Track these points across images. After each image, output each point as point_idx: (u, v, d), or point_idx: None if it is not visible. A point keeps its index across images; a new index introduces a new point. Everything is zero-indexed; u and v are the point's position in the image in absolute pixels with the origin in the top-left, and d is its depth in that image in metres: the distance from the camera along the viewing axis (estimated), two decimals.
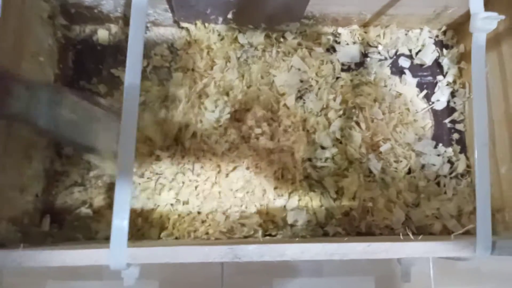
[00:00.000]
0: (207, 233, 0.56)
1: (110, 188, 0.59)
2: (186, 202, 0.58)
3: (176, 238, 0.57)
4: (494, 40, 0.60)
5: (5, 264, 0.39)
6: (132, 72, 0.42)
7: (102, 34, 0.65)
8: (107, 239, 0.39)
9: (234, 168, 0.59)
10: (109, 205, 0.58)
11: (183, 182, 0.58)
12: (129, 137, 0.40)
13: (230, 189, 0.59)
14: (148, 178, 0.59)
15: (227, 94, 0.62)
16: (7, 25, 0.47)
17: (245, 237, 0.57)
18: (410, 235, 0.45)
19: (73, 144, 0.56)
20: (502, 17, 0.42)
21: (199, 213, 0.58)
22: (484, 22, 0.43)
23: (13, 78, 0.43)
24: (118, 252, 0.38)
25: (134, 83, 0.41)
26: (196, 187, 0.58)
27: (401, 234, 0.46)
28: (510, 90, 0.57)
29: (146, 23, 0.64)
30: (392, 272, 0.91)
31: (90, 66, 0.65)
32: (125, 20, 0.64)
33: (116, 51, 0.65)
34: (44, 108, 0.44)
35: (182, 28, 0.65)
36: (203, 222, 0.57)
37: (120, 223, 0.39)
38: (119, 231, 0.38)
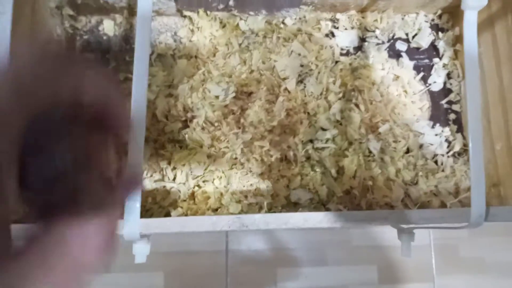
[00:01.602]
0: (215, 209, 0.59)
1: None
2: (195, 184, 0.60)
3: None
4: (488, 21, 0.62)
5: None
6: (140, 65, 0.44)
7: (108, 24, 0.67)
8: None
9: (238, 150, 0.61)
10: None
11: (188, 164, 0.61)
12: (138, 121, 0.42)
13: (235, 169, 0.61)
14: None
15: (230, 77, 0.64)
16: (23, 16, 0.49)
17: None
18: (409, 205, 0.47)
19: None
20: None
21: (204, 192, 0.61)
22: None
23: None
24: (131, 222, 0.40)
25: (142, 76, 0.43)
26: (205, 168, 0.61)
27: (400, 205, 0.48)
28: (504, 70, 0.59)
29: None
30: (395, 261, 0.93)
31: (96, 55, 0.67)
32: (130, 10, 0.66)
33: (122, 41, 0.67)
34: None
35: (185, 16, 0.67)
36: (209, 198, 0.59)
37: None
38: (132, 202, 0.40)
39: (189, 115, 0.62)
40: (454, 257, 0.95)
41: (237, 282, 0.86)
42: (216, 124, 0.62)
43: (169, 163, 0.61)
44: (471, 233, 0.95)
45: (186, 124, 0.63)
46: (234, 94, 0.63)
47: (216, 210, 0.58)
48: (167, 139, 0.62)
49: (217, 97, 0.63)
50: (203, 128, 0.61)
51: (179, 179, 0.60)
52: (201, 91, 0.63)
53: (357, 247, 0.94)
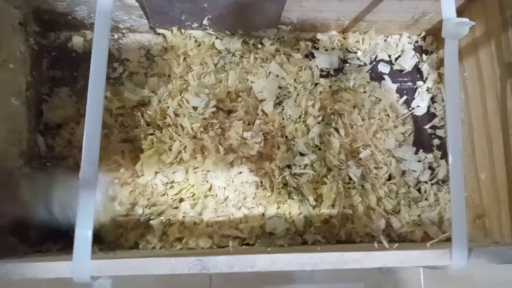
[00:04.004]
0: (183, 241, 0.55)
1: None
2: (162, 210, 0.57)
3: (153, 247, 0.56)
4: (472, 46, 0.60)
5: None
6: (96, 82, 0.40)
7: (77, 41, 0.64)
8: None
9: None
10: None
11: (153, 186, 0.57)
12: (92, 145, 0.39)
13: (208, 195, 0.57)
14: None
15: (208, 95, 0.61)
16: None
17: (221, 247, 0.56)
18: (385, 243, 0.44)
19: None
20: (473, 23, 0.42)
21: (172, 221, 0.57)
22: (456, 28, 0.42)
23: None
24: (81, 264, 0.37)
25: (98, 93, 0.40)
26: (175, 194, 0.57)
27: (375, 243, 0.45)
28: (488, 97, 0.57)
29: (122, 29, 0.63)
30: (383, 279, 0.90)
31: (65, 73, 0.64)
32: None
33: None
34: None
35: (159, 34, 0.64)
36: (180, 229, 0.55)
37: (83, 233, 0.37)
38: (83, 242, 0.37)
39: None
40: (443, 275, 0.93)
41: None
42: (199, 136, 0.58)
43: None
44: None
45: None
46: (214, 109, 0.60)
47: (182, 240, 0.55)
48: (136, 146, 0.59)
49: (195, 108, 0.60)
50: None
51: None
52: (179, 99, 0.60)
53: None
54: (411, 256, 0.40)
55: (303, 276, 0.89)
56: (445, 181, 0.64)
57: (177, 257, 0.38)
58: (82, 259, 0.37)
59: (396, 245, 0.42)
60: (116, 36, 0.65)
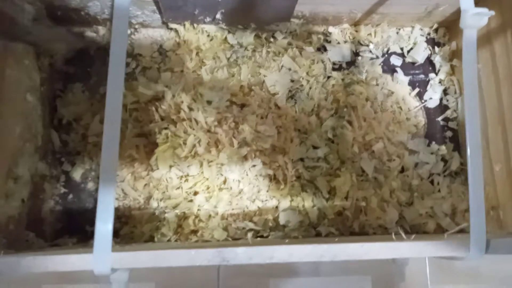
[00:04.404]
0: (198, 234, 0.56)
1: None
2: (176, 204, 0.57)
3: (169, 240, 0.56)
4: (486, 38, 0.60)
5: None
6: (115, 76, 0.41)
7: (90, 36, 0.64)
8: None
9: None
10: None
11: (168, 180, 0.57)
12: (112, 140, 0.39)
13: (222, 188, 0.58)
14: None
15: (222, 89, 0.61)
16: None
17: (236, 239, 0.56)
18: (403, 234, 0.44)
19: None
20: (492, 12, 0.42)
21: (187, 214, 0.57)
22: (475, 18, 0.42)
23: None
24: (102, 257, 0.37)
25: (118, 87, 0.40)
26: (189, 187, 0.57)
27: (393, 234, 0.45)
28: (503, 88, 0.57)
29: (134, 24, 0.64)
30: (389, 271, 0.90)
31: (78, 68, 0.64)
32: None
33: (104, 53, 0.64)
34: None
35: (171, 29, 0.65)
36: (195, 221, 0.56)
37: (103, 226, 0.38)
38: (103, 235, 0.37)
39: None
40: (449, 267, 0.93)
41: None
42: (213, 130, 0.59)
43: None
44: None
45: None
46: (227, 103, 0.60)
47: (197, 232, 0.55)
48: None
49: (209, 102, 0.60)
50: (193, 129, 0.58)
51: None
52: (193, 94, 0.60)
53: None
54: (430, 247, 0.40)
55: (308, 269, 0.90)
56: (457, 173, 0.64)
57: (196, 249, 0.38)
58: (102, 251, 0.38)
59: (413, 236, 0.42)
60: (129, 32, 0.65)
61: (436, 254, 0.41)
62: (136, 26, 0.65)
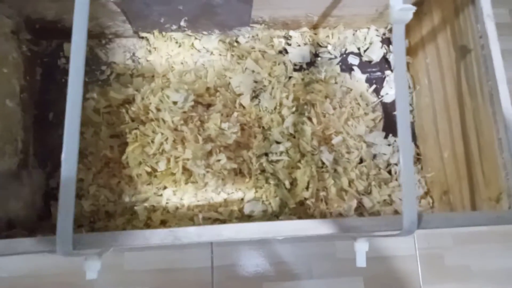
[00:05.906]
0: (166, 225, 0.60)
1: None
2: (146, 198, 0.61)
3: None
4: (432, 34, 0.64)
5: None
6: (74, 84, 0.45)
7: (68, 48, 0.69)
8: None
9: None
10: None
11: (138, 176, 0.62)
12: (72, 138, 0.43)
13: (188, 182, 0.62)
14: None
15: (187, 91, 0.65)
16: None
17: None
18: (364, 215, 0.48)
19: None
20: (414, 8, 0.46)
21: (156, 207, 0.61)
22: (401, 14, 0.47)
23: None
24: (64, 237, 0.41)
25: (77, 93, 0.43)
26: (159, 182, 0.62)
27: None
28: (447, 81, 0.61)
29: (108, 34, 0.69)
30: (381, 272, 0.93)
31: (57, 78, 0.69)
32: (89, 33, 0.68)
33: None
34: None
35: (142, 38, 0.70)
36: (163, 213, 0.60)
37: (66, 205, 0.41)
38: (65, 215, 0.41)
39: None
40: (440, 266, 0.95)
41: None
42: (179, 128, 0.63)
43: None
44: (455, 241, 0.95)
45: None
46: (192, 103, 0.64)
47: (166, 223, 0.59)
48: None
49: (175, 102, 0.64)
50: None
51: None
52: (160, 96, 0.64)
53: (342, 259, 0.94)
54: (367, 222, 0.44)
55: (301, 272, 0.93)
56: (414, 162, 0.68)
57: (151, 230, 0.42)
58: (65, 233, 0.42)
59: (354, 215, 0.46)
60: (103, 41, 0.70)
61: (373, 229, 0.45)
62: (110, 36, 0.70)
